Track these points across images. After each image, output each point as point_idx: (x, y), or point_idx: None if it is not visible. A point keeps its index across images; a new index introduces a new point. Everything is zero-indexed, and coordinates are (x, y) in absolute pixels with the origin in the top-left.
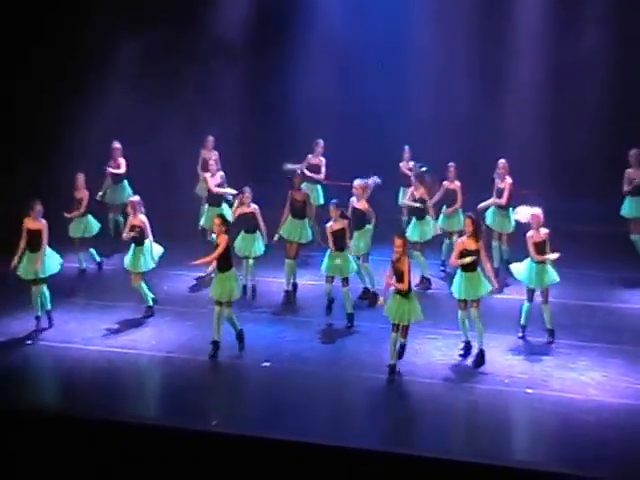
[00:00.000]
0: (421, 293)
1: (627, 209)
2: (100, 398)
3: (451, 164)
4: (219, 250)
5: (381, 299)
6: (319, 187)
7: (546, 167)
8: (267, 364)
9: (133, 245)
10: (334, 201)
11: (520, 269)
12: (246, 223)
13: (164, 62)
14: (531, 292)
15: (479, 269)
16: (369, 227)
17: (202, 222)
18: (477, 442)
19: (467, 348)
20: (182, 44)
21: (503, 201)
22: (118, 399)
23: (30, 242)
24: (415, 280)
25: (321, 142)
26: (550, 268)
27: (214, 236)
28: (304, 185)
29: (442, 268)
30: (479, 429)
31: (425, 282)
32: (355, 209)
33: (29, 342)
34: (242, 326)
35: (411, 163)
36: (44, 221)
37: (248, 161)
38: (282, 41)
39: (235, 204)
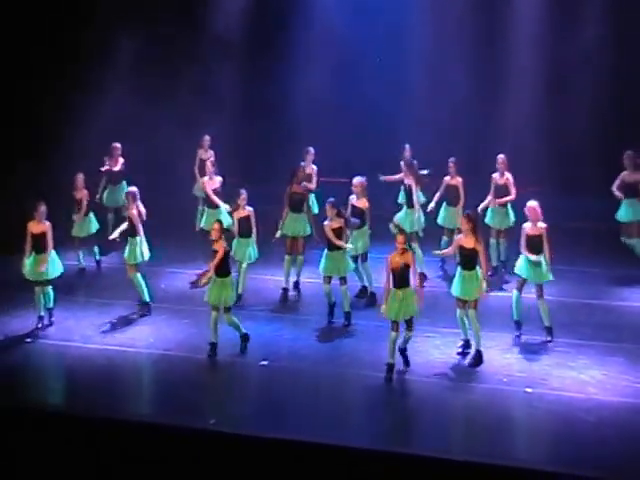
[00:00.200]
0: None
1: (623, 213)
2: (99, 396)
3: (452, 159)
4: (218, 257)
5: (383, 307)
6: (312, 196)
7: (544, 165)
8: (265, 362)
9: (128, 237)
10: (331, 199)
11: (519, 263)
12: (241, 227)
13: (164, 62)
14: (521, 282)
15: (478, 268)
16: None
17: (202, 224)
18: (476, 441)
19: (466, 347)
20: (182, 44)
21: (513, 197)
22: (117, 397)
23: (35, 245)
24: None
25: (311, 150)
26: (544, 265)
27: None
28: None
29: (441, 264)
30: (478, 428)
31: (421, 277)
32: (354, 207)
33: (29, 340)
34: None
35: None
36: (48, 223)
37: (247, 161)
38: (281, 41)
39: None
